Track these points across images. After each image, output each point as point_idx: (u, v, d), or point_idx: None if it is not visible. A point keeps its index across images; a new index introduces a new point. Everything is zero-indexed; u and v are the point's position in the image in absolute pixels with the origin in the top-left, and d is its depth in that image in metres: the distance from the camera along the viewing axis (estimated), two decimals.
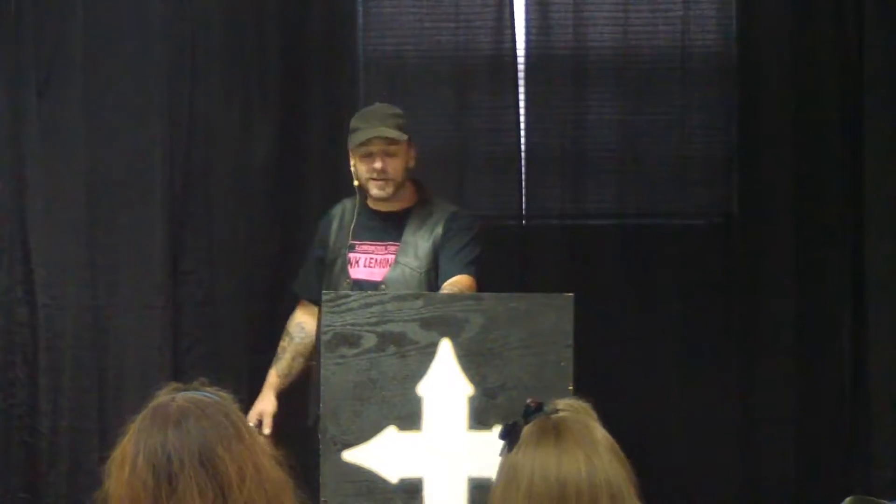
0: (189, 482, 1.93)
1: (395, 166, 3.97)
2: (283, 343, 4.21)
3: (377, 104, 4.15)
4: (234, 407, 2.06)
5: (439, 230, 4.00)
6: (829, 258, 4.79)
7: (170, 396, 2.05)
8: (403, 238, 3.98)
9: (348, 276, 3.99)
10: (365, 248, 4.01)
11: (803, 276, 4.78)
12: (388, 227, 4.03)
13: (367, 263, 3.98)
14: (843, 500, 2.55)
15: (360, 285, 3.94)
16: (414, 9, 4.89)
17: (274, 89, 4.83)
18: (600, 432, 2.03)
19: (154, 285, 4.79)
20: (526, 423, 2.05)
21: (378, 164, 3.96)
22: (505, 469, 2.02)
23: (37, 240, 4.80)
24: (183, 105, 4.82)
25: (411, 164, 4.05)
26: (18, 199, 4.81)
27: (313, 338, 4.08)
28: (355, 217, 4.07)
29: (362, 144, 3.96)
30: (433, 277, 3.96)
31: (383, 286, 3.93)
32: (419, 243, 3.98)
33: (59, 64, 4.81)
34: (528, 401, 2.09)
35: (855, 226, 4.77)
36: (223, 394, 2.09)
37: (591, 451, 1.98)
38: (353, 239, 4.04)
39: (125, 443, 2.00)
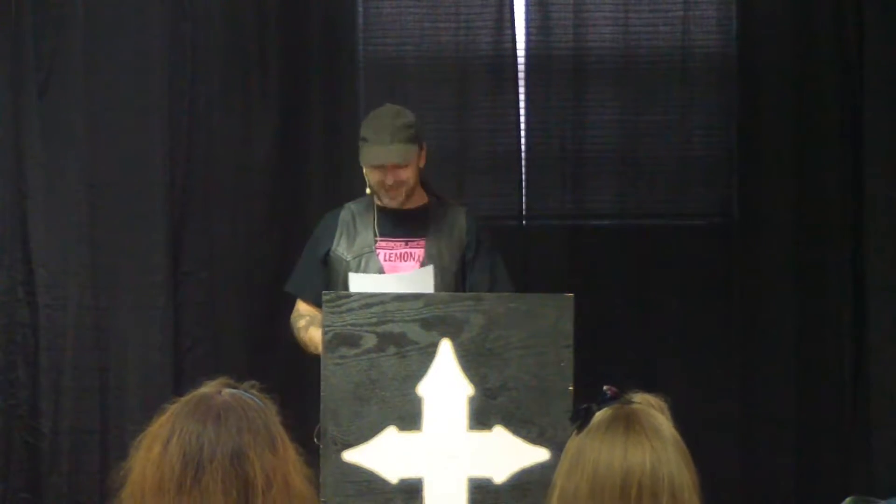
0: (215, 477, 1.93)
1: (407, 175, 3.94)
2: (301, 323, 3.99)
3: (387, 108, 4.03)
4: (276, 418, 2.06)
5: (461, 231, 4.01)
6: (829, 258, 4.80)
7: (216, 390, 2.05)
8: (428, 238, 3.97)
9: (382, 271, 3.94)
10: (382, 244, 3.99)
11: (803, 277, 4.78)
12: (405, 224, 3.99)
13: (387, 258, 3.97)
14: (843, 500, 2.55)
15: None
16: (414, 9, 4.89)
17: (274, 89, 4.84)
18: (669, 430, 2.06)
19: (154, 285, 4.79)
20: (599, 408, 2.07)
21: (389, 181, 3.92)
22: (572, 450, 2.05)
23: (37, 240, 4.80)
24: (183, 105, 4.82)
25: (422, 164, 4.01)
26: (19, 200, 4.81)
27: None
28: (375, 216, 4.04)
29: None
30: (460, 279, 3.97)
31: None
32: (442, 242, 3.98)
33: (59, 64, 4.82)
34: (605, 388, 2.11)
35: (855, 226, 4.77)
36: (268, 402, 2.09)
37: (659, 446, 2.01)
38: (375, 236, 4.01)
39: (160, 423, 2.00)
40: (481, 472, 3.30)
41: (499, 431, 3.31)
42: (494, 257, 4.04)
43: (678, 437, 2.07)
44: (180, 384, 4.67)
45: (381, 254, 3.96)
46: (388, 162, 3.90)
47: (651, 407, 2.10)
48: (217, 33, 4.84)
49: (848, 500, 2.55)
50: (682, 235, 4.86)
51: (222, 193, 4.84)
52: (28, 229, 4.81)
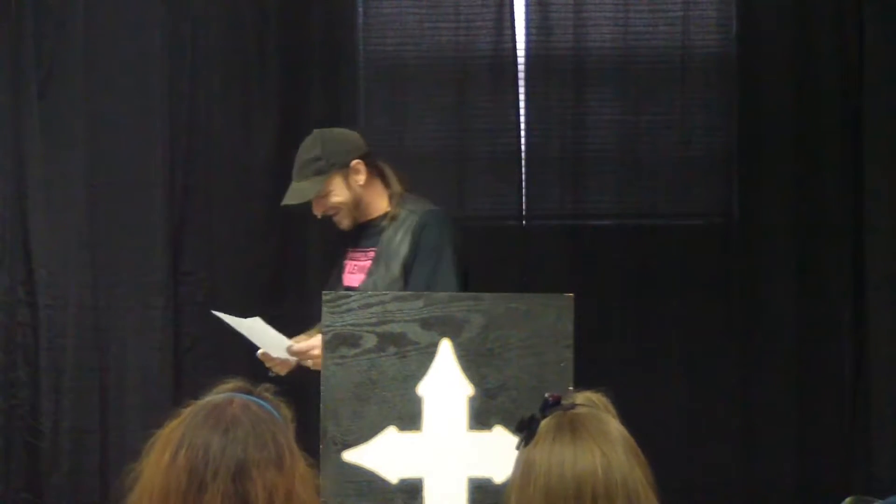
0: (216, 495, 1.93)
1: (335, 200, 3.87)
2: None
3: (309, 139, 3.98)
4: (287, 427, 2.04)
5: (406, 243, 3.85)
6: (829, 258, 4.80)
7: (229, 397, 2.03)
8: (377, 249, 3.88)
9: (342, 284, 3.95)
10: (352, 254, 3.99)
11: (803, 276, 4.78)
12: (365, 235, 3.94)
13: (350, 270, 3.97)
14: (843, 500, 2.55)
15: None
16: (414, 9, 4.89)
17: (274, 89, 4.84)
18: (618, 429, 2.02)
19: (154, 285, 4.80)
20: (543, 417, 2.04)
21: (317, 211, 3.92)
22: (521, 464, 2.01)
23: (38, 240, 4.80)
24: (183, 105, 4.82)
25: (360, 181, 3.87)
26: (19, 200, 4.81)
27: None
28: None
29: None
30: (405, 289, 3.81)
31: None
32: (391, 254, 3.86)
33: (59, 64, 4.82)
34: (547, 395, 2.07)
35: (855, 226, 4.77)
36: (284, 410, 2.07)
37: (608, 448, 1.97)
38: (348, 246, 4.01)
39: (172, 427, 1.99)
40: (481, 472, 3.29)
41: (499, 431, 3.31)
42: (434, 261, 3.84)
43: (626, 434, 2.03)
44: (180, 384, 4.68)
45: (347, 265, 3.97)
46: (288, 202, 3.91)
47: (595, 406, 2.06)
48: (217, 33, 4.84)
49: (848, 500, 2.55)
50: (682, 235, 4.86)
51: (222, 193, 4.84)
52: (28, 229, 4.81)
